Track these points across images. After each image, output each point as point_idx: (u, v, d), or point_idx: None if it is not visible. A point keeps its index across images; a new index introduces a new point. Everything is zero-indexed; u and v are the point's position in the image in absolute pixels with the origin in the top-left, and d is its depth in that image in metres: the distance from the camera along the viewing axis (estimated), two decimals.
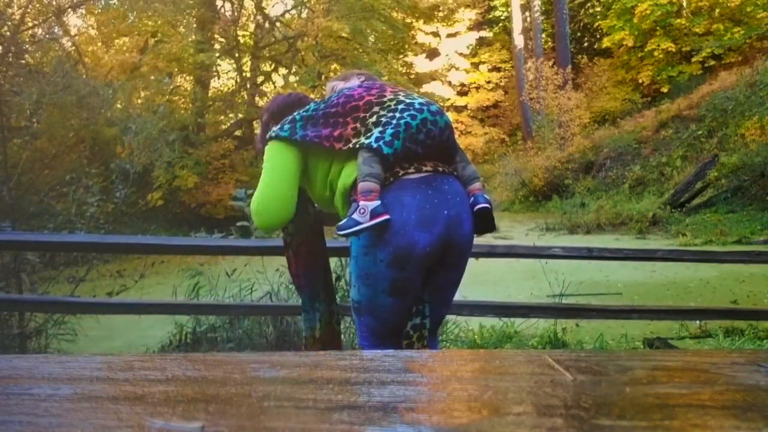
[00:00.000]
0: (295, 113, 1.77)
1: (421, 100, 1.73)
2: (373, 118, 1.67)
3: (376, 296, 1.66)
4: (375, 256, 1.62)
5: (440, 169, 1.69)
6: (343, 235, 1.58)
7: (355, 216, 1.55)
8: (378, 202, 1.55)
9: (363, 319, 1.74)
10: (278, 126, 1.76)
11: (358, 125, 1.68)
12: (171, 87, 17.94)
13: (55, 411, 0.39)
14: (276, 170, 1.73)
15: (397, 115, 1.65)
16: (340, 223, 1.59)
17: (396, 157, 1.62)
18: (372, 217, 1.53)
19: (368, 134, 1.64)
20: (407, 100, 1.70)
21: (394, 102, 1.70)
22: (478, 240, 1.88)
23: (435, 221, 1.59)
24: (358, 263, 1.68)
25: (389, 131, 1.62)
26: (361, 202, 1.55)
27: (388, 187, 1.61)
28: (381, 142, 1.60)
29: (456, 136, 1.85)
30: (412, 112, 1.66)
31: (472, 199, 1.73)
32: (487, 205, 1.73)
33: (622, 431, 0.35)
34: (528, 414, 0.37)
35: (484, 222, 1.75)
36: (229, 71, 21.33)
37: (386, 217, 1.55)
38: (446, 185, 1.66)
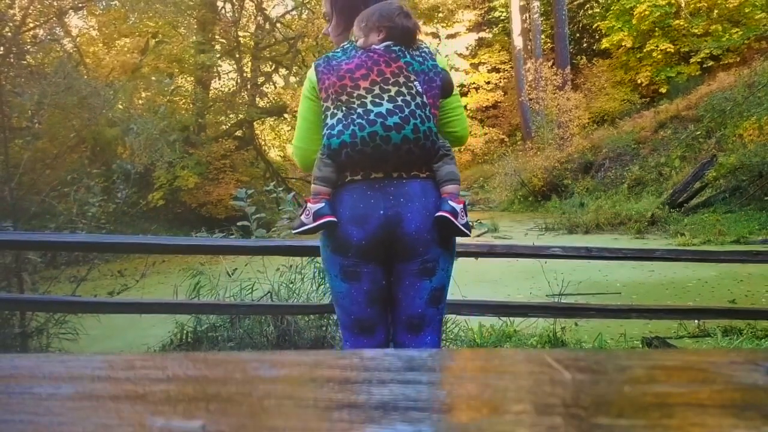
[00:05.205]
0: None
1: (381, 109, 1.59)
2: (342, 100, 1.63)
3: (333, 282, 1.76)
4: (324, 243, 1.75)
5: (395, 174, 1.65)
6: (295, 234, 1.73)
7: (302, 217, 1.68)
8: (322, 204, 1.65)
9: (337, 310, 1.82)
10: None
11: (333, 98, 1.66)
12: (172, 88, 17.92)
13: (57, 410, 0.39)
14: (301, 123, 1.79)
15: (349, 120, 1.60)
16: (293, 222, 1.73)
17: (343, 160, 1.63)
18: (315, 219, 1.64)
19: (332, 116, 1.64)
20: (369, 105, 1.59)
21: (357, 103, 1.61)
22: (477, 240, 1.87)
23: (368, 219, 1.63)
24: (321, 253, 1.79)
25: (338, 128, 1.62)
26: (309, 204, 1.67)
27: (338, 189, 1.69)
28: (330, 139, 1.63)
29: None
30: (363, 122, 1.58)
31: (440, 202, 1.67)
32: (445, 214, 1.63)
33: (620, 430, 0.35)
34: (527, 413, 0.38)
35: (448, 228, 1.66)
36: (229, 72, 21.32)
37: (329, 218, 1.64)
38: (393, 187, 1.64)
